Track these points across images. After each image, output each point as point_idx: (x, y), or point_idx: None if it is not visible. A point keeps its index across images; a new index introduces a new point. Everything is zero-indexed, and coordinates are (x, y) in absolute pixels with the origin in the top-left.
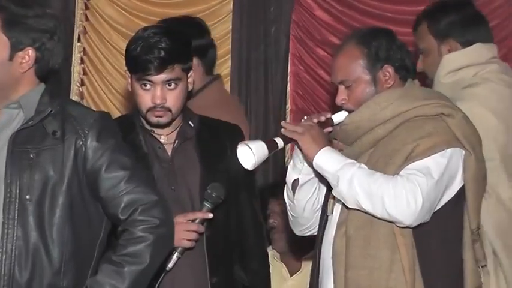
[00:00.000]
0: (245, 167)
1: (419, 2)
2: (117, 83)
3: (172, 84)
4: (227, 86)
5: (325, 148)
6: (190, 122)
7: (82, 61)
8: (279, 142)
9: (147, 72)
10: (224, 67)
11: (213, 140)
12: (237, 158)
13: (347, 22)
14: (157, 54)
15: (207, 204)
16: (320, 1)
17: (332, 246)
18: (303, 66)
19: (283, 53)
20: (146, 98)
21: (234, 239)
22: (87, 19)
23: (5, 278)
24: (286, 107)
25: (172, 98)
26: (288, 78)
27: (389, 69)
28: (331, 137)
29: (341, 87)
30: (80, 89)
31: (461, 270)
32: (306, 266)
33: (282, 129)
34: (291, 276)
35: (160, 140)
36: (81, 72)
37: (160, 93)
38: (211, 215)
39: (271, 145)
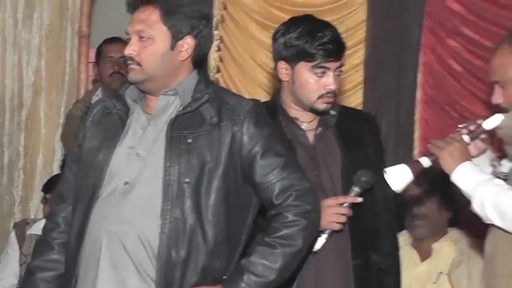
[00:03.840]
0: (393, 190)
1: None
2: (252, 71)
3: (339, 72)
4: (359, 75)
5: (461, 165)
6: (331, 111)
7: (219, 49)
8: (424, 161)
9: (328, 59)
10: (356, 56)
11: (352, 128)
12: (375, 152)
13: (479, 13)
14: (338, 42)
15: (355, 189)
16: None
17: (485, 249)
18: (434, 56)
19: (416, 43)
20: (319, 85)
21: (369, 222)
22: (225, 8)
23: (163, 257)
24: (417, 96)
25: (338, 85)
26: (419, 67)
27: None
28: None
29: (496, 87)
30: (216, 75)
31: None
32: (437, 252)
33: (431, 147)
34: (422, 261)
35: (302, 127)
36: (218, 59)
37: (334, 79)
38: (360, 199)
39: (416, 166)
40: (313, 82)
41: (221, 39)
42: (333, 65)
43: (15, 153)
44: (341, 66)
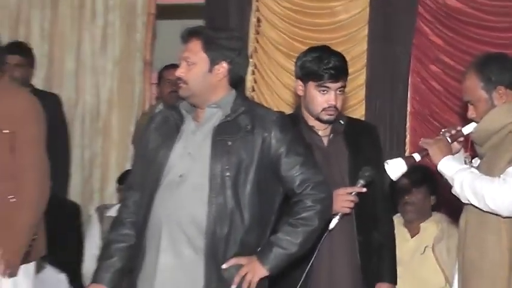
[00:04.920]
0: (391, 177)
1: (507, 29)
2: (279, 90)
3: (341, 91)
4: (362, 93)
5: (446, 157)
6: (340, 121)
7: (253, 73)
8: (416, 156)
9: (329, 80)
10: (360, 78)
11: (356, 134)
12: (374, 153)
13: (455, 45)
14: (338, 68)
15: (361, 181)
16: (435, 29)
17: (459, 225)
18: (419, 78)
19: (405, 68)
20: (322, 100)
21: (370, 208)
22: (257, 41)
23: (210, 234)
24: (407, 109)
25: (340, 102)
26: (408, 87)
27: (501, 89)
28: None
29: (469, 105)
30: (251, 93)
31: None
32: (424, 230)
33: (420, 142)
34: (411, 238)
35: (318, 133)
36: (253, 81)
37: (334, 97)
38: (364, 190)
39: (410, 161)
40: (318, 97)
41: (255, 66)
42: (333, 85)
43: (94, 153)
44: (342, 86)
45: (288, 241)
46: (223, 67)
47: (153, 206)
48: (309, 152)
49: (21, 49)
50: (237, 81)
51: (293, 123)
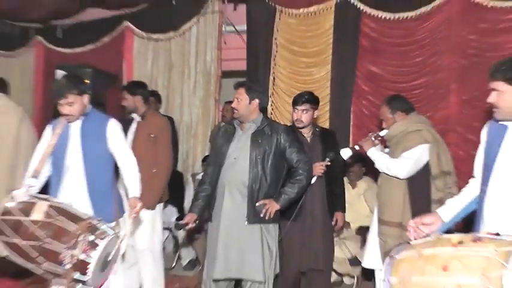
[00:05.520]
0: (343, 158)
1: (405, 82)
2: (285, 114)
3: (306, 112)
4: (327, 115)
5: (372, 148)
6: (317, 129)
7: (271, 105)
8: (356, 147)
9: (298, 105)
10: (326, 107)
11: (325, 136)
12: (334, 145)
13: (375, 91)
14: (304, 100)
15: (327, 159)
16: (365, 82)
17: (378, 183)
18: (357, 108)
19: (349, 103)
20: (295, 116)
21: (333, 173)
22: (273, 89)
23: (250, 188)
24: (350, 123)
25: (305, 117)
26: (351, 112)
27: (399, 113)
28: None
29: (383, 121)
30: (270, 116)
31: (430, 198)
32: (359, 186)
33: (359, 142)
34: (352, 189)
35: (304, 135)
36: (271, 109)
37: (300, 114)
38: (329, 163)
39: (353, 149)
40: (294, 115)
41: (272, 102)
42: (300, 107)
43: (189, 147)
44: (305, 109)
45: (290, 191)
46: (256, 102)
47: (221, 175)
48: (301, 146)
49: (154, 94)
50: (263, 109)
51: (292, 131)
